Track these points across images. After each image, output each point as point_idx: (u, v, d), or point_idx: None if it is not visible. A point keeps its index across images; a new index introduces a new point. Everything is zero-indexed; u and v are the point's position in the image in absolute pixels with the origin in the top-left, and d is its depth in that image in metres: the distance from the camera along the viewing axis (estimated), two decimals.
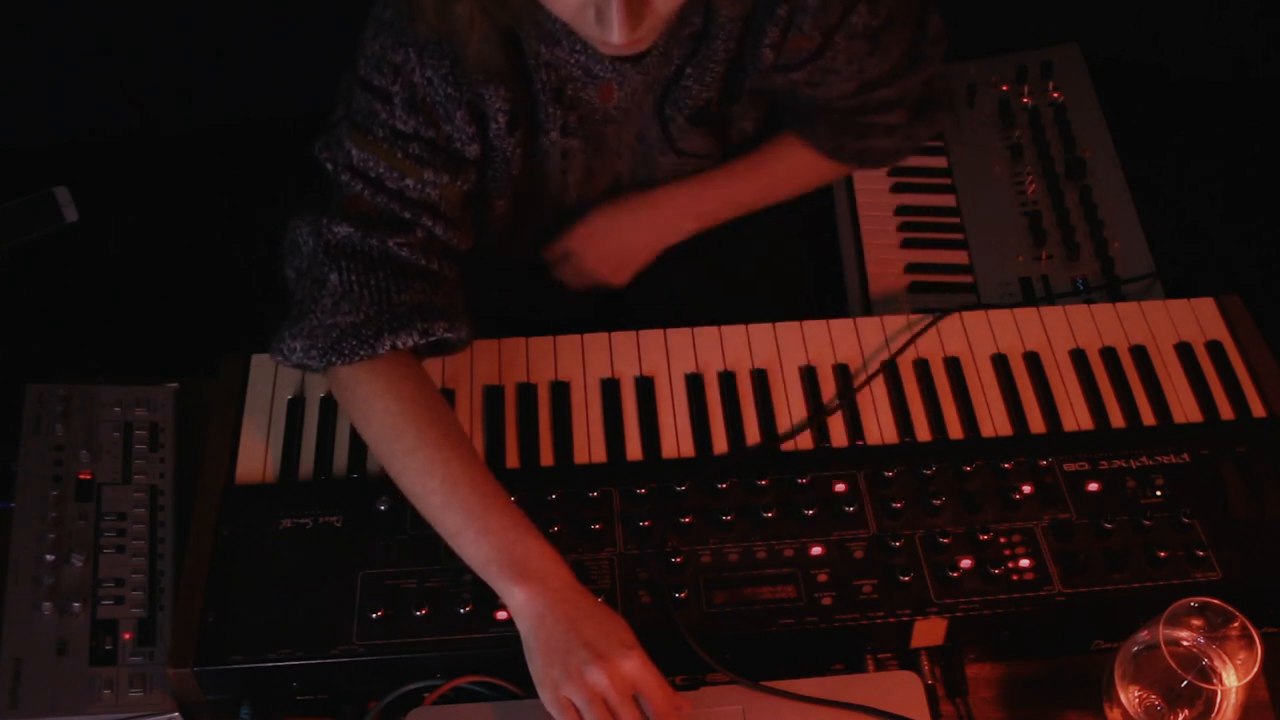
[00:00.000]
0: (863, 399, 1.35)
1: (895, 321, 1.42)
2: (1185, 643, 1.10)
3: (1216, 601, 1.07)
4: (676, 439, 1.31)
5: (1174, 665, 1.03)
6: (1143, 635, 1.08)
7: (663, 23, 1.05)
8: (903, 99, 1.39)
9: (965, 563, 1.18)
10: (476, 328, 1.30)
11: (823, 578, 1.18)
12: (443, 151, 1.22)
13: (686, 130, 1.36)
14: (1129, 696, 1.08)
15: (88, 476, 1.28)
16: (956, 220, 1.72)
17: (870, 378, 1.36)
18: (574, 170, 1.36)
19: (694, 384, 1.36)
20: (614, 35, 1.00)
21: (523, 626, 1.10)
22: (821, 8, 1.24)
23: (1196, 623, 1.09)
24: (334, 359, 1.18)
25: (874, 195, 1.76)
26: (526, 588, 1.10)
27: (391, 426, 1.18)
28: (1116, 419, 1.33)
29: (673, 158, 1.39)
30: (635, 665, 1.07)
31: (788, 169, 1.48)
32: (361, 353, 1.18)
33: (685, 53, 1.26)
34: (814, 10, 1.24)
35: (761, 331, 1.41)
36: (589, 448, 1.30)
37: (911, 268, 1.65)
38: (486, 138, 1.25)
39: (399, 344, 1.18)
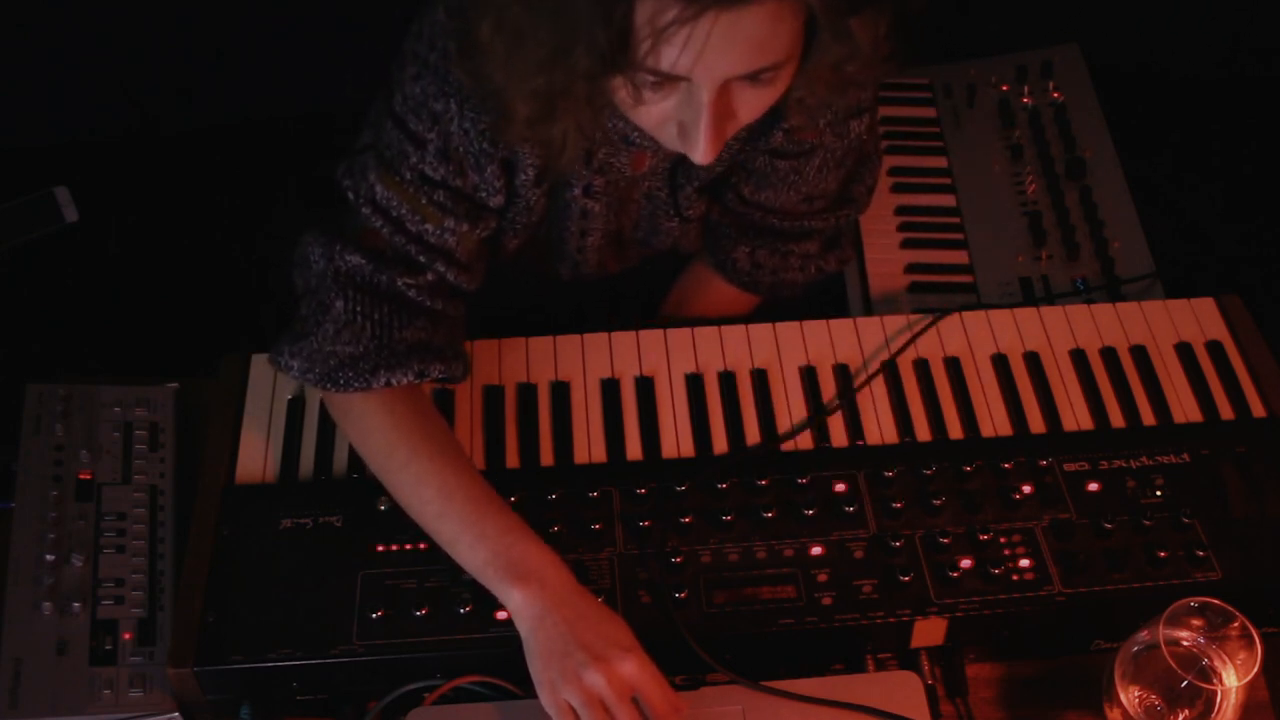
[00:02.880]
0: (863, 399, 1.35)
1: (895, 321, 1.42)
2: (1185, 643, 1.10)
3: (1216, 601, 1.07)
4: (676, 439, 1.31)
5: (1174, 665, 1.03)
6: (1143, 635, 1.08)
7: (737, 132, 1.07)
8: (822, 232, 1.46)
9: (965, 563, 1.18)
10: (477, 328, 1.30)
11: (823, 578, 1.18)
12: (467, 200, 1.21)
13: (693, 199, 1.37)
14: (1129, 696, 1.08)
15: (88, 476, 1.28)
16: (956, 220, 1.71)
17: (870, 378, 1.36)
18: (594, 233, 1.36)
19: (694, 384, 1.36)
20: (699, 155, 1.02)
21: (522, 628, 1.10)
22: (845, 106, 1.27)
23: (1196, 623, 1.08)
24: (329, 386, 1.19)
25: (874, 195, 1.75)
26: (524, 589, 1.10)
27: (386, 442, 1.19)
28: (1116, 419, 1.33)
29: (677, 223, 1.40)
30: (632, 667, 1.07)
31: (711, 310, 1.50)
32: (356, 385, 1.19)
33: None
34: (838, 107, 1.27)
35: (761, 331, 1.41)
36: (589, 448, 1.30)
37: (911, 268, 1.65)
38: (513, 186, 1.24)
39: (393, 381, 1.19)
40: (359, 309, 1.19)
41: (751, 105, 1.02)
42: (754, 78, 0.98)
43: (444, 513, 1.15)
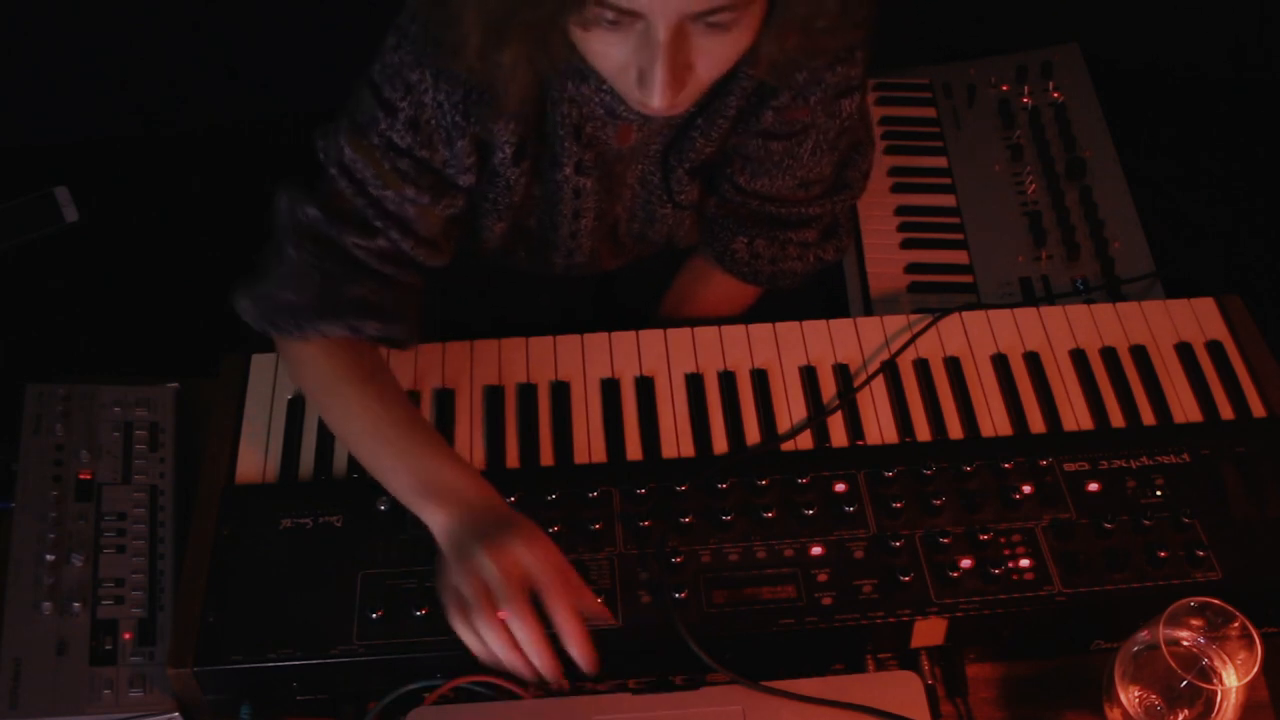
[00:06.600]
0: (863, 399, 1.35)
1: (895, 321, 1.42)
2: (1185, 643, 1.10)
3: (1216, 601, 1.07)
4: (676, 439, 1.31)
5: (1174, 665, 1.03)
6: (1143, 635, 1.08)
7: (702, 89, 1.08)
8: (819, 219, 1.45)
9: (965, 563, 1.18)
10: (476, 329, 1.30)
11: (823, 578, 1.18)
12: (432, 174, 1.22)
13: (686, 183, 1.37)
14: (1129, 696, 1.08)
15: (88, 476, 1.28)
16: (956, 220, 1.71)
17: (870, 378, 1.36)
18: (587, 214, 1.36)
19: (694, 384, 1.36)
20: (654, 100, 1.02)
21: (441, 546, 1.11)
22: (835, 84, 1.27)
23: (1196, 623, 1.08)
24: (268, 329, 1.24)
25: (874, 195, 1.76)
26: (445, 508, 1.11)
27: (320, 376, 1.23)
28: (1116, 419, 1.33)
29: (671, 209, 1.40)
30: (523, 549, 1.05)
31: (711, 304, 1.50)
32: (293, 331, 1.22)
33: (698, 104, 1.26)
34: (828, 85, 1.27)
35: (761, 331, 1.41)
36: (589, 448, 1.30)
37: (911, 268, 1.65)
38: (489, 165, 1.25)
39: (326, 333, 1.22)
40: (311, 260, 1.21)
41: (711, 55, 1.03)
42: (710, 17, 0.98)
43: (373, 439, 1.18)
